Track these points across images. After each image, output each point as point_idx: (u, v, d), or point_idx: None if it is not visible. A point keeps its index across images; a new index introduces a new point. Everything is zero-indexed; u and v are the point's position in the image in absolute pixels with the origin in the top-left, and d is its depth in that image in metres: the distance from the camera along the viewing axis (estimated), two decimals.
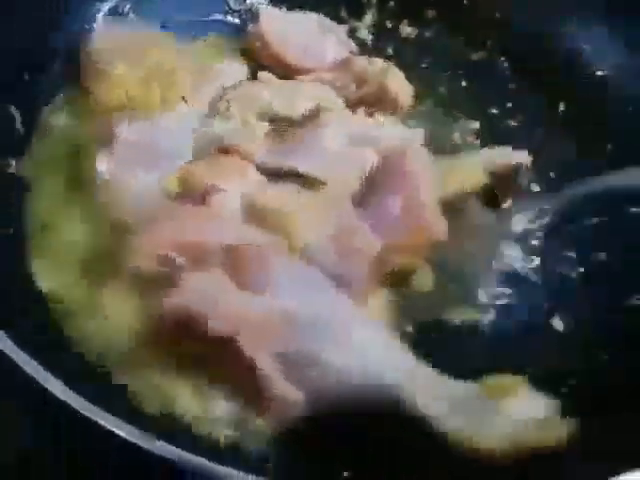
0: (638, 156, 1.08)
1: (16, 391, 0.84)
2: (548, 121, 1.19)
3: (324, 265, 0.94)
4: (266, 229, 0.95)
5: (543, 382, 0.92)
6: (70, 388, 0.74)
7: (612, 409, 0.89)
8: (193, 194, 0.99)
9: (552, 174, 1.13)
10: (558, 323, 1.01)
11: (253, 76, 1.15)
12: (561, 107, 1.20)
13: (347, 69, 1.15)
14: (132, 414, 0.79)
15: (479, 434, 0.82)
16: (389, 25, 1.30)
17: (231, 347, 0.86)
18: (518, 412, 0.84)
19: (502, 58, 1.27)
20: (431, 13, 1.28)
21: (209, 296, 0.88)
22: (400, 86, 1.14)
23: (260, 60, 1.19)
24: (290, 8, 1.26)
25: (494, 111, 1.21)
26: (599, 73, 1.21)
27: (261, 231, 0.95)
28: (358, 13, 1.31)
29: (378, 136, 1.05)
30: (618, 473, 0.75)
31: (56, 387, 0.75)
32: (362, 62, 1.16)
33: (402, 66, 1.17)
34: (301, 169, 1.01)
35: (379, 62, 1.16)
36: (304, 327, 0.88)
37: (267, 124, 1.06)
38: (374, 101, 1.13)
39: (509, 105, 1.21)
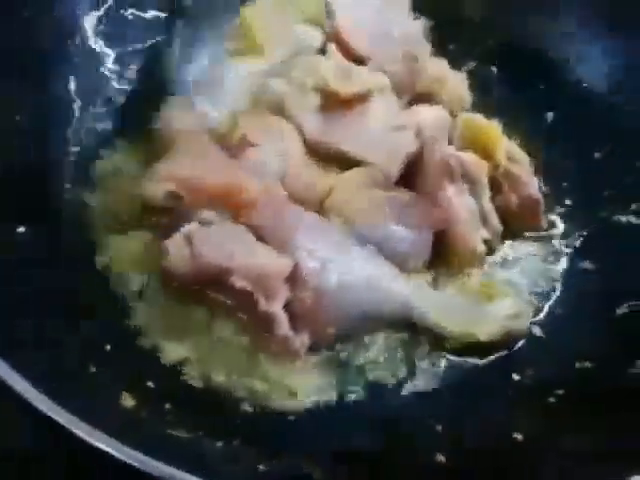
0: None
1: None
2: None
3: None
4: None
5: (530, 391, 0.94)
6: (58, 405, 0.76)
7: (609, 411, 0.90)
8: (229, 142, 1.05)
9: None
10: (539, 331, 1.02)
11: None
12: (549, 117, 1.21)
13: (408, 64, 1.15)
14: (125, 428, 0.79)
15: (477, 330, 0.98)
16: None
17: (246, 298, 0.93)
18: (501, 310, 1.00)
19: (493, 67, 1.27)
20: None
21: (224, 249, 0.94)
22: (455, 94, 1.17)
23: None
24: None
25: None
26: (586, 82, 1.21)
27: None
28: None
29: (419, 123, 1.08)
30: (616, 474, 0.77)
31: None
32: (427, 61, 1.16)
33: None
34: (345, 148, 1.06)
35: (441, 66, 1.17)
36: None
37: (319, 97, 1.08)
38: (426, 101, 1.14)
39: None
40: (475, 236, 1.04)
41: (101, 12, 1.21)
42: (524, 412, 0.93)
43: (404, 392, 0.97)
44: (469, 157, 1.05)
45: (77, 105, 1.16)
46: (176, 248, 0.94)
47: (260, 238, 0.97)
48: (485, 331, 0.98)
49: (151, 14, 1.25)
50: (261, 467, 0.82)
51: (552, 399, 0.93)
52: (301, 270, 0.95)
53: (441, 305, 1.00)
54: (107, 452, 0.74)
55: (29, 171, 1.06)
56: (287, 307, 0.94)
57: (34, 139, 1.08)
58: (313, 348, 0.97)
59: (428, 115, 1.10)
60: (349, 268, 0.97)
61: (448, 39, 1.27)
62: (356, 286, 0.97)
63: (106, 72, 1.21)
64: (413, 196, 1.04)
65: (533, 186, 1.08)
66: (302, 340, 0.95)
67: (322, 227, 1.00)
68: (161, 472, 0.73)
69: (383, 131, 1.08)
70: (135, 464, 0.73)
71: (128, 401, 0.87)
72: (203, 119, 1.10)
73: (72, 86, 1.15)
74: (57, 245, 1.02)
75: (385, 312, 0.99)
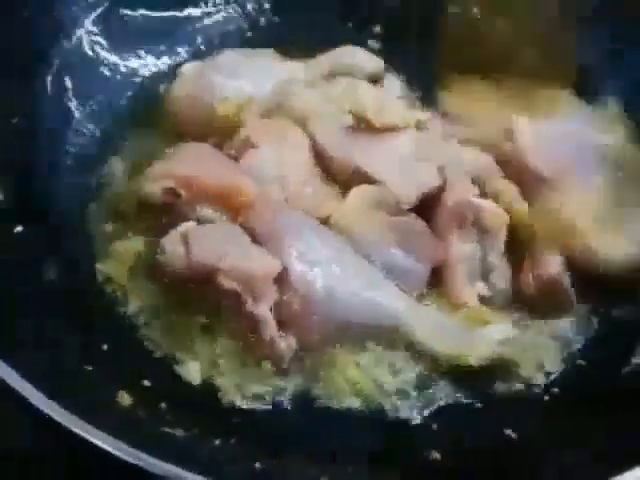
0: None
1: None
2: None
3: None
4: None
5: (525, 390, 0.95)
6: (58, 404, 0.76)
7: (604, 409, 0.90)
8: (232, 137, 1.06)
9: None
10: None
11: None
12: None
13: None
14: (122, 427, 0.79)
15: (467, 353, 0.95)
16: None
17: (234, 299, 0.92)
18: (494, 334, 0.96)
19: None
20: None
21: (217, 249, 0.93)
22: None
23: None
24: None
25: None
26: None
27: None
28: None
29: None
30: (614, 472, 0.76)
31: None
32: None
33: None
34: (364, 166, 1.04)
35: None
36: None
37: (352, 119, 1.08)
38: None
39: None
40: (466, 288, 1.01)
41: (100, 12, 1.21)
42: (519, 410, 0.93)
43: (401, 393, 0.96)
44: (488, 205, 1.01)
45: (76, 105, 1.16)
46: (172, 245, 0.95)
47: (255, 240, 0.97)
48: (476, 355, 0.95)
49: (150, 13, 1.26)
50: (258, 465, 0.82)
51: (547, 397, 0.94)
52: (289, 273, 0.94)
53: (431, 324, 0.98)
54: (105, 450, 0.75)
55: (29, 171, 1.06)
56: (275, 310, 0.94)
57: (33, 139, 1.08)
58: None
59: (458, 154, 1.08)
60: (341, 276, 0.96)
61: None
62: (345, 295, 0.96)
63: (106, 71, 1.21)
64: (422, 226, 1.02)
65: (554, 265, 1.00)
66: (288, 343, 0.94)
67: (319, 232, 1.00)
68: (159, 469, 0.73)
69: (407, 160, 1.06)
70: (133, 461, 0.73)
71: (125, 399, 0.87)
72: (210, 88, 1.12)
73: (71, 86, 1.16)
74: (57, 245, 1.02)
75: (372, 325, 0.97)
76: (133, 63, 1.24)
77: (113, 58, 1.22)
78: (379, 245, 1.00)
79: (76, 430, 0.75)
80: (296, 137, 1.07)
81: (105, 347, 0.93)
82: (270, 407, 0.93)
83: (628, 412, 0.88)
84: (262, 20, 1.31)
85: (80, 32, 1.19)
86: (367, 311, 0.97)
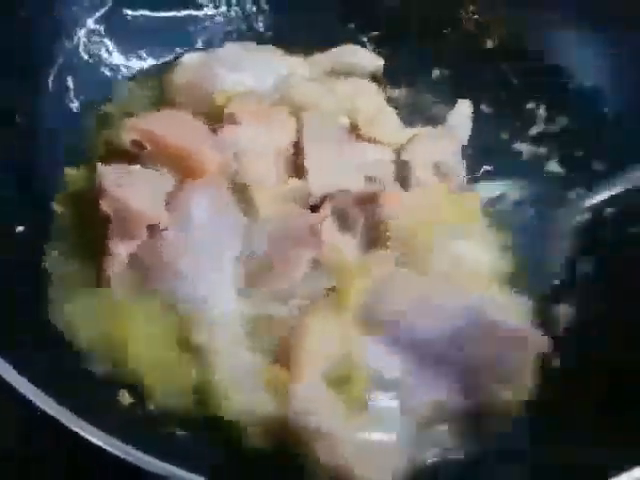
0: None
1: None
2: None
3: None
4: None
5: None
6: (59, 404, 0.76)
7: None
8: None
9: None
10: None
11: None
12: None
13: None
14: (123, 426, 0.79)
15: None
16: None
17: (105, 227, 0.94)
18: None
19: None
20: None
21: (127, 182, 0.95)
22: None
23: None
24: None
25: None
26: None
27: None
28: None
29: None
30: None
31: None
32: None
33: None
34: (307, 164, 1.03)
35: None
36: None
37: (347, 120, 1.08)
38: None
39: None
40: None
41: (103, 12, 1.21)
42: None
43: None
44: (330, 244, 0.98)
45: (77, 105, 1.16)
46: (107, 173, 0.96)
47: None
48: None
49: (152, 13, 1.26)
50: (258, 465, 0.83)
51: None
52: (167, 233, 0.94)
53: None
54: (105, 449, 0.74)
55: (29, 171, 1.06)
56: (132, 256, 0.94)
57: (34, 138, 1.08)
58: None
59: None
60: (208, 258, 0.94)
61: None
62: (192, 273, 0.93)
63: (107, 72, 1.21)
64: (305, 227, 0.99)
65: None
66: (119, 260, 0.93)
67: (228, 215, 0.98)
68: (159, 469, 0.73)
69: (343, 164, 1.05)
70: (133, 461, 0.73)
71: (126, 399, 0.87)
72: (211, 78, 1.11)
73: (73, 86, 1.16)
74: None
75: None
76: (134, 64, 1.23)
77: (114, 58, 1.22)
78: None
79: (76, 430, 0.75)
80: (283, 124, 1.06)
81: None
82: None
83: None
84: (262, 20, 1.31)
85: (82, 32, 1.19)
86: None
